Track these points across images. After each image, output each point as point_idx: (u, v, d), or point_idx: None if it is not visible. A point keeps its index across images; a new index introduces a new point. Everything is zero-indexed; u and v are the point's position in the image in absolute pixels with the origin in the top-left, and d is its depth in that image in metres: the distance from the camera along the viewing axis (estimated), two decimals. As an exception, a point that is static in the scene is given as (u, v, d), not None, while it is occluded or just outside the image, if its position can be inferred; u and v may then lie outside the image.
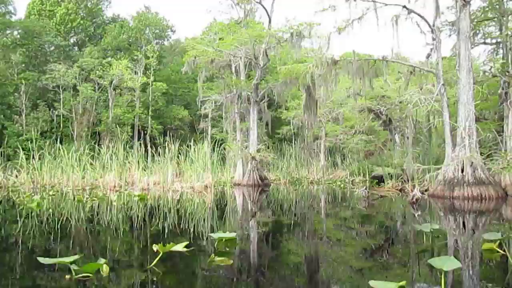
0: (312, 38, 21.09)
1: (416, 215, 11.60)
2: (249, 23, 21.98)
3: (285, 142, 35.01)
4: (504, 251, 5.40)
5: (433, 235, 6.59)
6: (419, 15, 15.41)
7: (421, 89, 15.22)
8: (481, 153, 15.18)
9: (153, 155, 22.10)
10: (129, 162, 22.68)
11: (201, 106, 26.10)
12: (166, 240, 5.92)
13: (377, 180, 21.75)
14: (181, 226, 8.01)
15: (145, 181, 20.10)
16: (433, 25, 15.34)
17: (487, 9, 17.17)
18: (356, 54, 15.99)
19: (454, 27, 15.42)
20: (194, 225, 8.10)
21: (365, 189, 14.10)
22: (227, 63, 24.34)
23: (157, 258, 4.59)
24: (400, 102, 21.64)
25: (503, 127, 15.56)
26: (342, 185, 21.49)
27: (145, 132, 37.40)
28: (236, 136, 24.37)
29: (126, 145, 31.63)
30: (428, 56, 17.26)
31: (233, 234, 5.93)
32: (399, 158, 22.20)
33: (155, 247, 4.75)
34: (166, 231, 7.40)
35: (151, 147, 29.28)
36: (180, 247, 5.30)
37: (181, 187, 18.06)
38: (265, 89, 22.88)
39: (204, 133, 31.51)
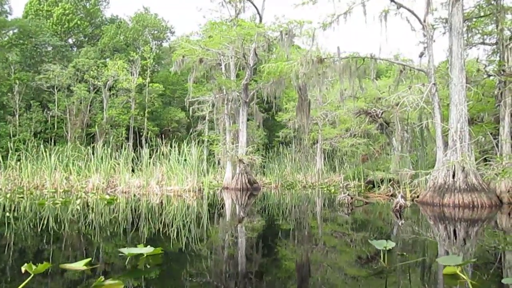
0: (303, 37, 20.31)
1: (400, 223, 10.73)
2: (239, 21, 21.18)
3: (285, 145, 34.18)
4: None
5: (385, 255, 5.57)
6: (409, 10, 14.50)
7: (409, 89, 14.28)
8: (478, 158, 14.24)
9: (146, 157, 21.36)
10: (117, 164, 21.94)
11: (189, 106, 25.33)
12: (76, 255, 5.11)
13: (372, 185, 20.82)
14: (112, 237, 7.16)
15: (130, 183, 19.36)
16: (424, 21, 14.42)
17: (484, 6, 16.18)
18: (342, 52, 15.12)
19: (448, 24, 14.44)
20: (130, 236, 7.25)
21: (348, 195, 13.18)
22: (217, 62, 23.62)
23: (25, 282, 3.76)
24: (397, 104, 20.73)
25: (499, 129, 14.56)
26: (333, 190, 20.57)
27: (141, 134, 36.80)
28: (226, 138, 23.57)
29: (121, 146, 31.11)
30: (422, 55, 16.37)
31: (150, 249, 5.06)
32: (395, 163, 21.30)
33: (23, 268, 3.92)
34: (82, 244, 6.49)
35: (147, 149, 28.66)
36: (80, 264, 4.49)
37: (161, 191, 17.29)
38: (255, 89, 22.05)
39: (192, 135, 30.75)
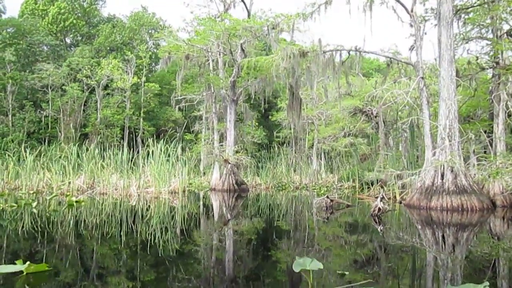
0: (292, 32, 19.37)
1: (380, 229, 9.80)
2: (224, 16, 20.33)
3: (285, 145, 33.30)
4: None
5: (312, 278, 4.42)
6: (395, -1, 13.55)
7: (394, 83, 13.30)
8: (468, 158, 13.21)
9: (125, 157, 20.64)
10: (104, 165, 21.23)
11: (176, 105, 24.57)
12: None
13: (362, 187, 19.86)
14: (9, 250, 6.28)
15: (111, 184, 18.59)
16: (412, 11, 13.44)
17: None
18: (326, 45, 14.17)
19: (437, 13, 13.42)
20: (32, 248, 6.35)
21: (327, 197, 12.25)
22: (206, 59, 22.80)
23: None
24: (387, 101, 19.75)
25: (493, 127, 13.51)
26: (322, 192, 19.61)
27: (137, 134, 36.15)
28: (214, 137, 22.73)
29: (116, 146, 30.46)
30: (412, 48, 15.35)
31: (25, 266, 4.20)
32: (392, 163, 20.32)
33: None
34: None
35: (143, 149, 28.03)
36: None
37: (137, 192, 16.52)
38: (243, 87, 21.15)
39: (178, 135, 30.04)
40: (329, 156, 30.88)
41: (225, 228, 9.42)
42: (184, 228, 9.16)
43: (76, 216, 10.32)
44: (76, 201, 12.82)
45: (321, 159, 29.76)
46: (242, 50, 20.08)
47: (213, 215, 12.05)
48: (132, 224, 9.26)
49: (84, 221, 9.64)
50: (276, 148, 31.38)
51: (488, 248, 7.45)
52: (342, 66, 14.67)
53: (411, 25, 13.61)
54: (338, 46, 14.18)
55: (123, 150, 19.17)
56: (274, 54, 14.70)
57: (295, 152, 30.95)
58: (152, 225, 9.03)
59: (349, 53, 14.32)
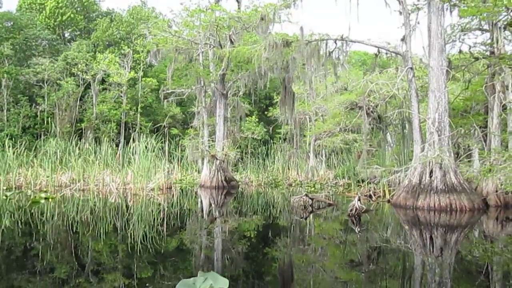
0: (283, 23, 18.63)
1: (357, 230, 9.08)
2: (212, 6, 19.57)
3: (283, 141, 32.60)
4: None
5: None
6: (382, -17, 12.72)
7: (380, 73, 12.49)
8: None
9: (106, 152, 20.13)
10: (91, 161, 20.76)
11: (164, 99, 23.95)
12: None
13: (357, 184, 19.09)
14: None
15: (90, 179, 18.06)
16: (401, -3, 12.60)
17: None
18: (311, 34, 13.37)
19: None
20: None
21: (305, 195, 11.52)
22: (196, 52, 22.08)
23: None
24: (390, 98, 18.87)
25: (487, 121, 12.63)
26: (313, 189, 18.87)
27: (134, 129, 35.60)
28: (204, 133, 22.04)
29: (112, 141, 30.01)
30: (404, 38, 14.51)
31: None
32: (390, 160, 19.52)
33: None
34: None
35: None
36: None
37: (116, 189, 15.90)
38: (232, 80, 20.41)
39: (166, 130, 29.50)
40: (325, 152, 30.08)
41: (188, 233, 8.76)
42: (137, 233, 8.51)
43: (26, 218, 9.68)
44: (45, 198, 12.24)
45: (322, 156, 29.02)
46: (231, 41, 19.31)
47: (186, 217, 11.36)
48: (85, 230, 8.62)
49: (26, 224, 8.99)
50: (273, 144, 30.72)
51: (478, 252, 6.71)
52: (330, 56, 13.87)
53: (401, 13, 12.77)
54: (323, 35, 13.39)
55: (115, 146, 18.59)
56: (257, 44, 13.96)
57: (292, 148, 30.23)
58: (107, 230, 8.40)
59: (335, 42, 13.52)
